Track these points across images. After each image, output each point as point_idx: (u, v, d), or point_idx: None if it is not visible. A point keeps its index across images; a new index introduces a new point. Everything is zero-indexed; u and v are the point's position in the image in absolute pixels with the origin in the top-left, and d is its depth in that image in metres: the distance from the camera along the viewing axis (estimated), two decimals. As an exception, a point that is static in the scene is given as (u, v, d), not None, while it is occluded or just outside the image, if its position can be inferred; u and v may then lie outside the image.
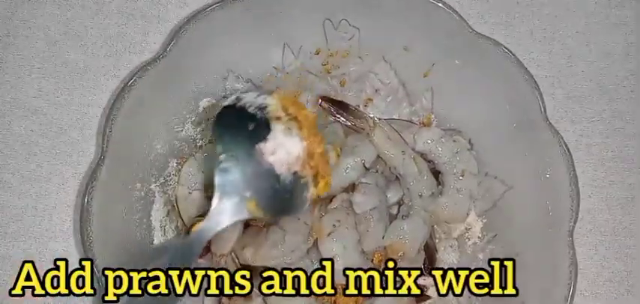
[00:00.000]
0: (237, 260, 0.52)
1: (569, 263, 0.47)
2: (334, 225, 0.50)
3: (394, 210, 0.55)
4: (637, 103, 0.62)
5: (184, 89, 0.52)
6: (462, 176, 0.53)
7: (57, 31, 0.61)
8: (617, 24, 0.63)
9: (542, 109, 0.50)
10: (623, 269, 0.58)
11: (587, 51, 0.63)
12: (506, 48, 0.50)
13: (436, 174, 0.54)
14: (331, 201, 0.52)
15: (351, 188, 0.52)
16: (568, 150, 0.49)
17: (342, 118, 0.54)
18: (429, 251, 0.54)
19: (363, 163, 0.52)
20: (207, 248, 0.52)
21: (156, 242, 0.52)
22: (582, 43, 0.63)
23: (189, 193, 0.53)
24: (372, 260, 0.52)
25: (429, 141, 0.54)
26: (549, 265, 0.48)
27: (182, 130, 0.54)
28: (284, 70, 0.56)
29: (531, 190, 0.51)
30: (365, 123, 0.54)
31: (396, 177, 0.54)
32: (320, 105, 0.55)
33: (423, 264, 0.54)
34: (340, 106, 0.55)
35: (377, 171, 0.54)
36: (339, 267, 0.50)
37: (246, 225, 0.52)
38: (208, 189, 0.54)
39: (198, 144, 0.55)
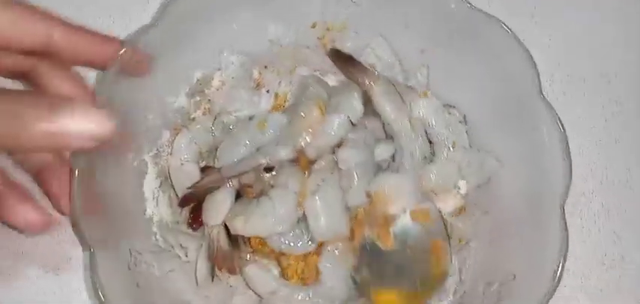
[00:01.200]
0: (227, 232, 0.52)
1: (559, 237, 0.46)
2: (318, 184, 0.50)
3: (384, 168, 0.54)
4: (638, 89, 0.61)
5: (178, 60, 0.52)
6: (453, 148, 0.53)
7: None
8: (621, 8, 0.62)
9: (538, 85, 0.49)
10: (616, 253, 0.58)
11: (590, 36, 0.62)
12: (504, 24, 0.50)
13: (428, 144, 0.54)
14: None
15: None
16: (561, 124, 0.48)
17: (347, 71, 0.54)
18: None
19: (349, 119, 0.52)
20: (200, 219, 0.53)
21: (148, 212, 0.52)
22: (585, 28, 0.62)
23: (182, 164, 0.53)
24: (356, 217, 0.52)
25: (424, 111, 0.54)
26: (540, 239, 0.48)
27: (175, 101, 0.54)
28: (279, 44, 0.56)
29: (524, 165, 0.50)
30: (369, 77, 0.54)
31: (390, 136, 0.54)
32: (328, 56, 0.54)
33: None
34: (347, 60, 0.55)
35: (366, 128, 0.54)
36: (322, 227, 0.50)
37: (238, 195, 0.52)
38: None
39: (192, 116, 0.55)
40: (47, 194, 0.46)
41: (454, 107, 0.55)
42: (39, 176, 0.47)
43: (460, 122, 0.54)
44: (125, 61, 0.46)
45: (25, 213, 0.44)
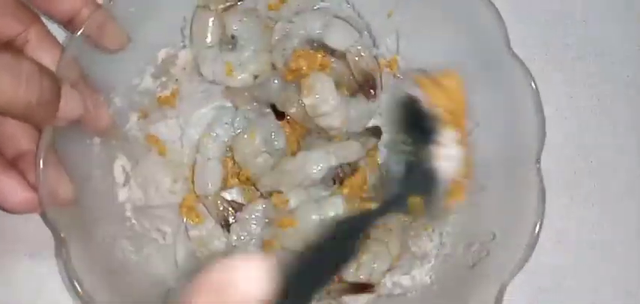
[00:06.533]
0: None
1: (536, 193, 0.46)
2: None
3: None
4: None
5: (140, 39, 0.50)
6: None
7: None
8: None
9: (506, 41, 0.49)
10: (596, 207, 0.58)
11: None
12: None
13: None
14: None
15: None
16: (532, 79, 0.48)
17: None
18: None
19: None
20: None
21: (120, 198, 0.51)
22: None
23: (208, 160, 0.53)
24: None
25: None
26: (517, 197, 0.48)
27: (140, 83, 0.52)
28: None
29: (498, 123, 0.50)
30: None
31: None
32: None
33: None
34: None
35: None
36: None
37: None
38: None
39: (158, 96, 0.53)
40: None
41: (425, 71, 0.54)
42: (15, 162, 0.46)
43: None
44: (96, 26, 0.46)
45: (19, 192, 0.44)
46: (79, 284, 0.43)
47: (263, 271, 0.29)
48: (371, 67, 0.53)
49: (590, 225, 0.58)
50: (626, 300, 0.57)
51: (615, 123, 0.60)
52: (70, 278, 0.43)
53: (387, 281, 0.51)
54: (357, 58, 0.53)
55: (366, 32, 0.55)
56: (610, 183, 0.59)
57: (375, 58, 0.55)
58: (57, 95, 0.42)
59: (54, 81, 0.42)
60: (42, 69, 0.42)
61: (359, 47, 0.53)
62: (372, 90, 0.53)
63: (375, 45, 0.56)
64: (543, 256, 0.46)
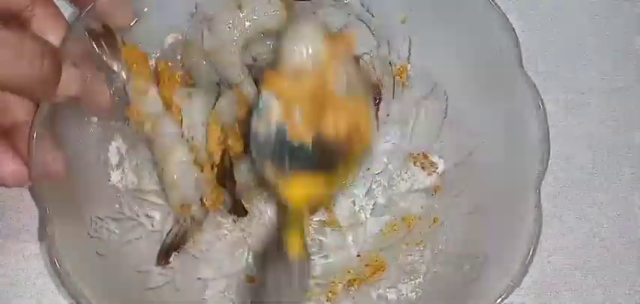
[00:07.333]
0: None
1: (533, 220, 0.45)
2: None
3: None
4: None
5: (147, 23, 0.50)
6: None
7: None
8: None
9: (519, 59, 0.47)
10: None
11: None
12: (486, -5, 0.48)
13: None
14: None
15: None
16: (542, 103, 0.46)
17: None
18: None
19: None
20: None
21: (113, 180, 0.51)
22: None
23: None
24: None
25: None
26: (514, 221, 0.46)
27: (146, 66, 0.52)
28: (255, 7, 0.54)
29: (501, 143, 0.49)
30: None
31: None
32: None
33: None
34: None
35: None
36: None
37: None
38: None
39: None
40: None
41: (435, 84, 0.53)
42: (8, 135, 0.46)
43: None
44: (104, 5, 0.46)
45: (9, 164, 0.44)
46: (59, 263, 0.43)
47: None
48: (379, 81, 0.53)
49: (593, 223, 0.57)
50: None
51: (618, 121, 0.59)
52: (51, 256, 0.43)
53: (372, 293, 0.50)
54: (367, 69, 0.52)
55: (387, 41, 0.54)
56: (613, 182, 0.58)
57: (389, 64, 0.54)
58: (57, 74, 0.42)
59: (55, 60, 0.42)
60: (44, 47, 0.42)
61: (372, 57, 0.52)
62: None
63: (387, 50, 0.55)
64: (547, 254, 0.45)
